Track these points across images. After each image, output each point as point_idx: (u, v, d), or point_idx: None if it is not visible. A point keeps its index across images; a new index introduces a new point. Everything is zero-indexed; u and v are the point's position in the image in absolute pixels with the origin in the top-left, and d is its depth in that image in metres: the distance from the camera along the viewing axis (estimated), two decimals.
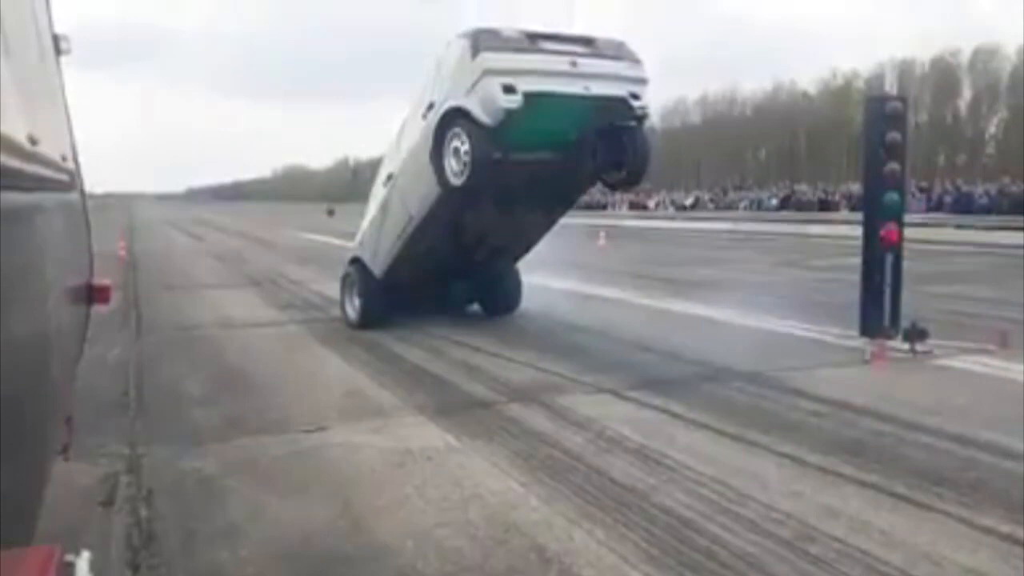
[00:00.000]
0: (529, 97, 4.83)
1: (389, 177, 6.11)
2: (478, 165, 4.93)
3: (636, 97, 5.28)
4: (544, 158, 5.40)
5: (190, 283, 10.24)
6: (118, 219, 28.03)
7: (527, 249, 6.67)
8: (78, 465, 2.76)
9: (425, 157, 5.34)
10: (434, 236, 5.80)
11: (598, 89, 5.11)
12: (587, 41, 5.32)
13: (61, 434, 1.95)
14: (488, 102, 4.87)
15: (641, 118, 5.43)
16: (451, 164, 5.16)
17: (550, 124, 5.11)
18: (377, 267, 6.30)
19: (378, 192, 6.37)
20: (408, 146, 5.78)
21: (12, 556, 0.97)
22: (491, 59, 4.90)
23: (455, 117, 5.07)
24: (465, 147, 4.99)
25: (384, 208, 6.16)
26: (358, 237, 6.75)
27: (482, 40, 4.98)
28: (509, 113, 4.82)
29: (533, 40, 5.09)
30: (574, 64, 5.05)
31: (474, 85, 4.92)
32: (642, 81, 5.41)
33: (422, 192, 5.57)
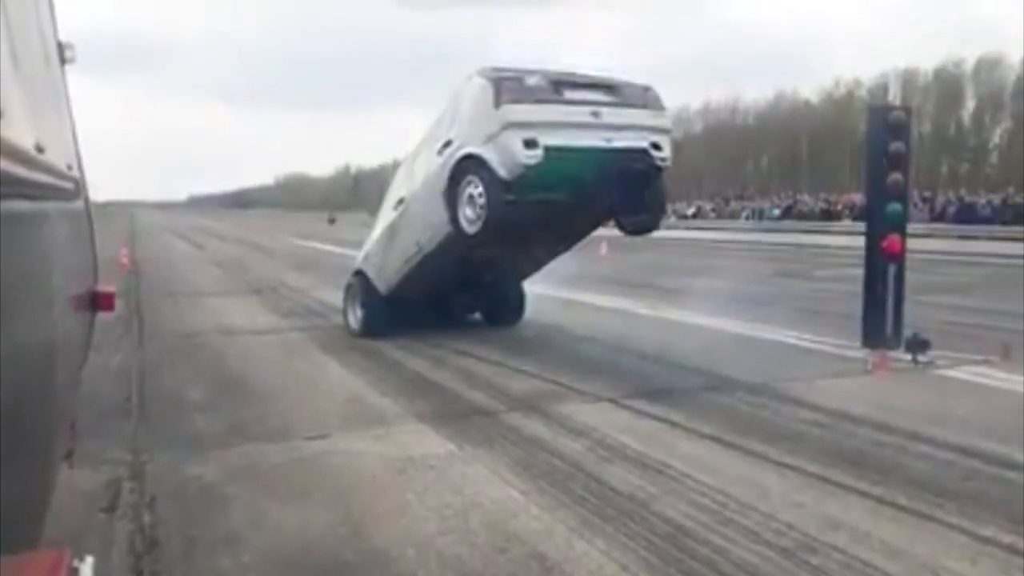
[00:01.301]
0: (549, 151, 4.73)
1: (400, 201, 6.01)
2: (493, 214, 4.84)
3: (657, 148, 5.15)
4: (559, 198, 5.28)
5: (192, 290, 10.27)
6: (120, 227, 28.12)
7: (536, 270, 6.65)
8: (81, 471, 2.77)
9: (439, 194, 5.26)
10: (443, 265, 5.77)
11: (620, 141, 5.00)
12: (611, 87, 5.21)
13: (66, 440, 1.96)
14: (508, 156, 4.74)
15: (661, 169, 5.32)
16: (465, 212, 5.05)
17: (568, 172, 4.99)
18: (382, 285, 6.29)
19: (387, 214, 6.27)
20: (422, 178, 5.68)
21: (21, 560, 0.98)
22: (514, 111, 4.78)
23: (472, 164, 4.95)
24: (480, 196, 4.89)
25: (392, 231, 6.09)
26: (363, 251, 6.71)
27: (505, 88, 4.84)
28: (528, 168, 4.74)
29: (556, 88, 4.97)
30: (597, 115, 4.94)
31: (494, 136, 4.80)
32: (664, 130, 5.31)
33: (433, 226, 5.49)
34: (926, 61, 47.87)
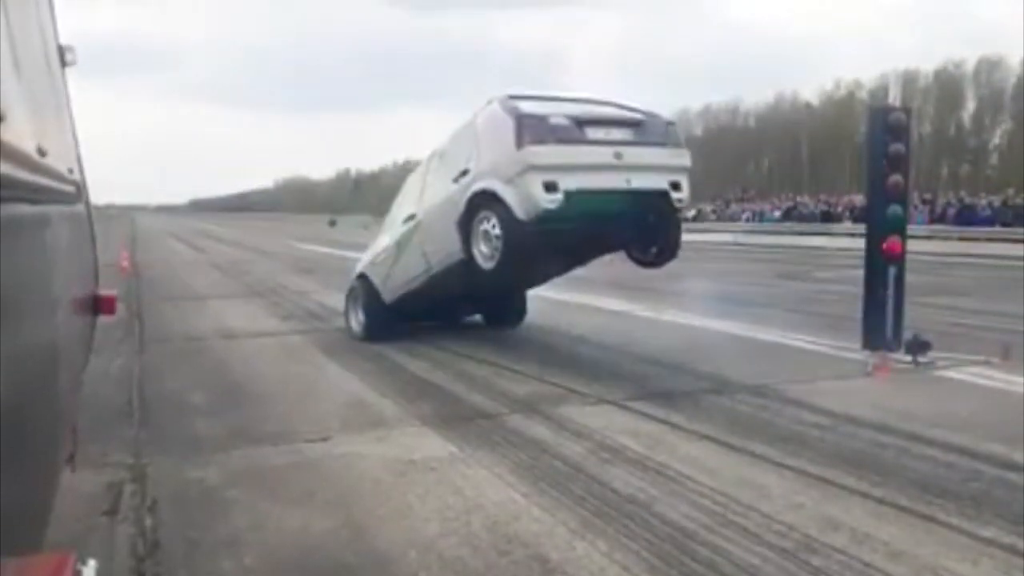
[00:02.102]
0: (569, 194, 4.65)
1: (411, 217, 5.93)
2: (509, 252, 4.80)
3: (676, 187, 5.08)
4: (575, 233, 5.20)
5: (192, 294, 10.28)
6: (121, 231, 28.15)
7: (544, 283, 6.65)
8: (82, 474, 2.77)
9: (453, 222, 5.21)
10: (451, 283, 5.76)
11: (639, 183, 4.92)
12: (636, 123, 5.14)
13: (67, 443, 1.96)
14: (527, 198, 4.67)
15: (678, 209, 5.27)
16: (480, 247, 5.00)
17: (586, 212, 4.91)
18: (387, 294, 6.28)
19: (395, 226, 6.20)
20: (435, 200, 5.59)
21: (26, 563, 0.98)
22: (536, 153, 4.68)
23: (489, 200, 4.88)
24: (496, 233, 4.84)
25: (401, 246, 6.03)
26: (367, 256, 6.67)
27: (528, 128, 4.73)
28: (547, 211, 4.69)
29: (579, 126, 4.88)
30: (619, 156, 4.86)
31: (514, 177, 4.71)
32: (684, 169, 5.22)
33: (445, 252, 5.45)
34: (926, 62, 47.91)
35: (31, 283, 1.21)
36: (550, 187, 4.63)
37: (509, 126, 4.78)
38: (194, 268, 15.17)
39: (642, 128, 5.11)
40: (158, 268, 14.58)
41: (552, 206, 4.64)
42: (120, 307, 3.13)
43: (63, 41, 2.14)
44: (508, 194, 4.74)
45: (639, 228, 5.33)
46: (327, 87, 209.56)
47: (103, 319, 2.53)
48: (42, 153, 1.34)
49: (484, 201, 4.92)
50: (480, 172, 5.01)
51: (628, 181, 4.89)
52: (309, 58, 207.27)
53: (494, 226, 4.85)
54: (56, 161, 1.58)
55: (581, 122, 4.89)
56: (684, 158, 5.26)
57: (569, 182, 4.67)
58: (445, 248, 5.42)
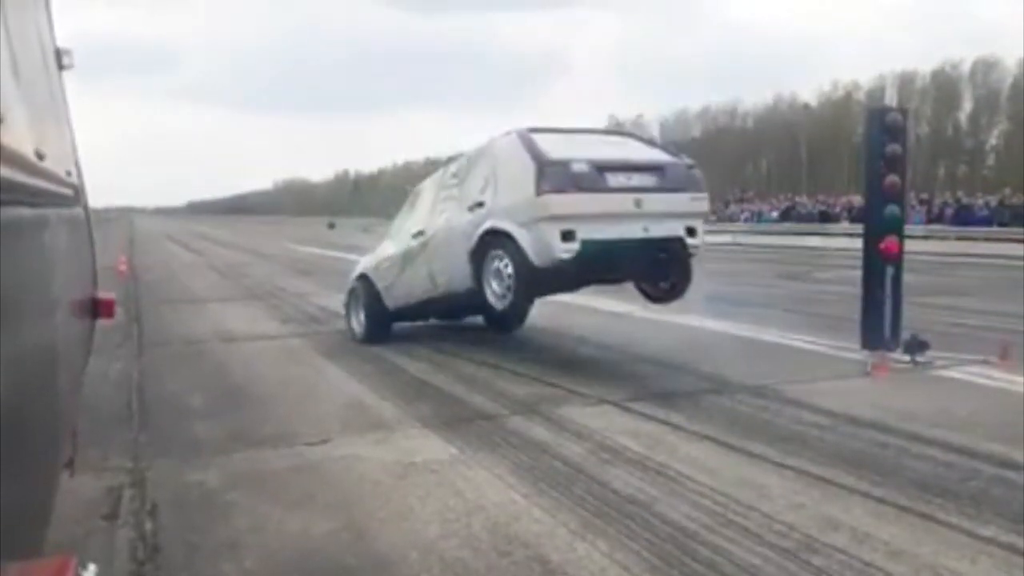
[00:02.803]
0: (586, 243, 4.61)
1: (420, 233, 5.84)
2: (521, 292, 4.77)
3: (692, 233, 5.01)
4: (586, 268, 5.07)
5: (191, 297, 10.27)
6: (118, 233, 28.12)
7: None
8: (81, 478, 2.76)
9: (464, 252, 5.14)
10: (456, 303, 5.76)
11: (656, 230, 4.86)
12: (658, 167, 5.02)
13: (67, 446, 1.96)
14: (543, 246, 4.60)
15: (691, 254, 5.19)
16: (492, 285, 4.94)
17: (600, 257, 4.85)
18: (390, 301, 6.25)
19: (402, 235, 6.12)
20: (446, 224, 5.51)
21: (27, 567, 0.98)
22: (555, 203, 4.58)
23: (504, 240, 4.81)
24: (509, 274, 4.79)
25: (407, 260, 5.96)
26: (371, 260, 6.62)
27: (549, 176, 4.61)
28: (562, 260, 4.65)
29: (601, 173, 4.74)
30: (638, 204, 4.76)
31: (531, 223, 4.64)
32: (701, 214, 5.15)
33: (454, 278, 5.41)
34: (924, 63, 48.07)
35: (30, 286, 1.21)
36: (567, 236, 4.56)
37: (530, 170, 4.65)
38: (192, 271, 15.15)
39: (663, 173, 5.00)
40: (156, 271, 14.57)
41: (568, 256, 4.59)
42: (119, 310, 3.12)
43: (60, 44, 2.14)
44: (523, 239, 4.66)
45: (650, 265, 5.28)
46: (326, 88, 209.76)
47: (102, 322, 2.52)
48: (40, 156, 1.34)
49: (498, 240, 4.85)
50: (496, 209, 4.92)
51: (646, 229, 4.82)
52: (308, 59, 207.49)
53: (507, 266, 4.79)
54: (54, 164, 1.58)
55: (602, 167, 4.76)
56: (703, 203, 5.17)
57: (587, 231, 4.60)
58: (454, 276, 5.38)
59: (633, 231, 4.79)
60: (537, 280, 4.78)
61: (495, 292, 4.92)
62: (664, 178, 4.95)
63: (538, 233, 4.61)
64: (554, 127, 5.56)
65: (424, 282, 5.76)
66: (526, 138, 4.93)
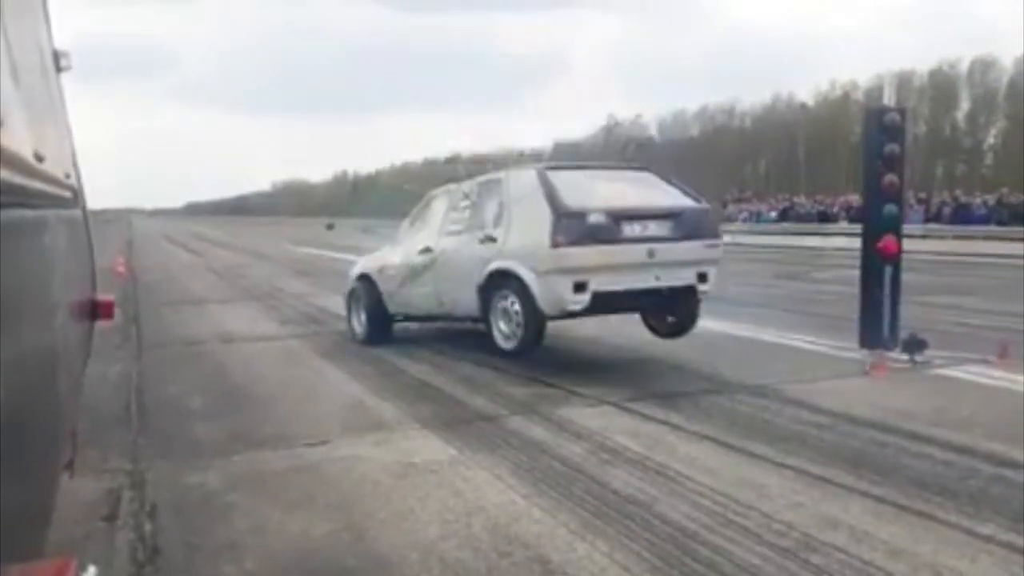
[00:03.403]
0: (597, 295, 4.60)
1: (427, 250, 5.77)
2: (529, 335, 4.75)
3: (703, 279, 4.96)
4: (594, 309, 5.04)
5: (190, 298, 10.26)
6: (117, 234, 28.10)
7: None
8: (80, 480, 2.76)
9: (473, 284, 5.10)
10: (461, 320, 5.74)
11: (668, 280, 4.82)
12: (674, 214, 4.93)
13: (66, 448, 1.96)
14: (554, 297, 4.59)
15: (700, 300, 5.15)
16: (500, 324, 4.91)
17: (609, 305, 4.88)
18: (392, 306, 6.24)
19: (409, 247, 6.04)
20: (455, 248, 5.45)
21: (28, 568, 0.98)
22: (570, 256, 4.54)
23: (514, 282, 4.77)
24: (517, 316, 4.76)
25: (414, 274, 5.90)
26: (374, 262, 6.57)
27: (565, 230, 4.54)
28: (572, 311, 4.62)
29: (617, 223, 4.68)
30: (651, 254, 4.71)
31: (543, 272, 4.61)
32: (714, 260, 5.07)
33: (460, 305, 5.39)
34: (921, 63, 48.09)
35: (29, 288, 1.21)
36: (579, 288, 4.54)
37: (546, 219, 4.58)
38: (191, 272, 15.14)
39: (679, 219, 4.91)
40: (155, 272, 14.55)
41: (578, 307, 4.57)
42: (117, 312, 3.12)
43: (58, 46, 2.14)
44: (535, 285, 4.63)
45: (657, 305, 5.28)
46: (325, 89, 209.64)
47: (101, 324, 2.52)
48: (39, 158, 1.34)
49: (508, 282, 4.82)
50: (508, 250, 4.87)
51: (657, 278, 4.78)
52: (306, 60, 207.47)
53: (516, 310, 4.77)
54: (53, 166, 1.58)
55: (618, 217, 4.70)
56: (716, 249, 5.10)
57: (599, 282, 4.58)
58: (460, 302, 5.36)
59: (645, 280, 4.75)
60: (545, 325, 4.76)
61: (502, 332, 4.89)
62: (679, 225, 4.87)
63: (550, 283, 4.58)
64: (571, 164, 5.52)
65: (429, 299, 5.74)
66: (544, 179, 4.83)
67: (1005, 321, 7.01)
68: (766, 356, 5.75)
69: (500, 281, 4.89)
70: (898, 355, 5.34)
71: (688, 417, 4.07)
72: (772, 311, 7.84)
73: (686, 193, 5.35)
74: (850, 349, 5.60)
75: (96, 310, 2.38)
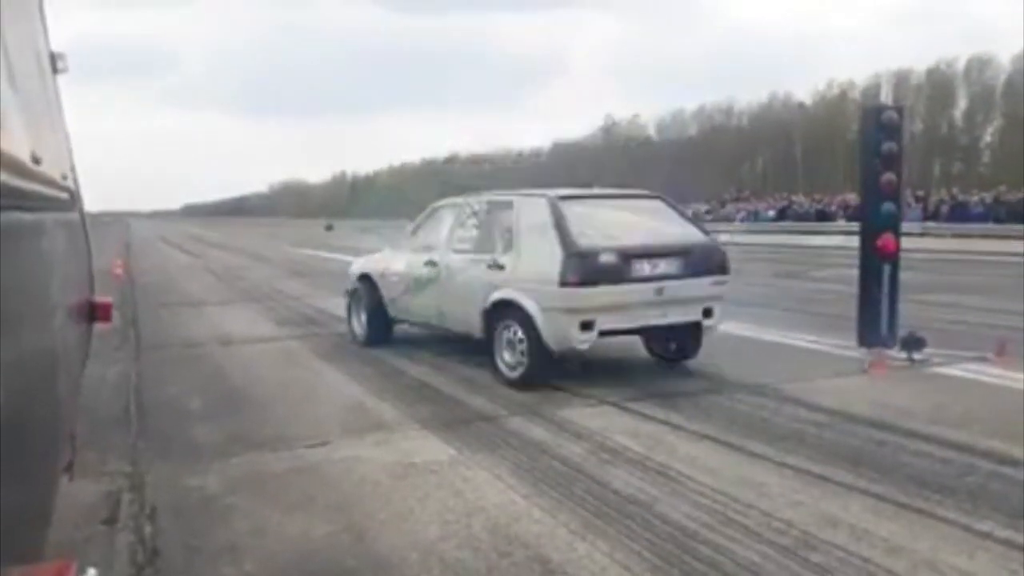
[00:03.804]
0: (603, 333, 4.57)
1: (431, 263, 5.68)
2: (535, 368, 4.70)
3: (709, 314, 4.94)
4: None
5: (188, 300, 10.25)
6: (115, 237, 28.06)
7: None
8: (80, 483, 2.76)
9: (478, 307, 5.05)
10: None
11: (674, 316, 4.80)
12: (684, 251, 4.85)
13: (66, 451, 1.96)
14: (560, 334, 4.56)
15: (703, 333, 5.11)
16: (504, 354, 4.84)
17: (612, 334, 4.85)
18: (393, 311, 6.21)
19: (413, 258, 5.95)
20: (460, 268, 5.37)
21: (28, 571, 0.98)
22: (578, 296, 4.48)
23: (520, 314, 4.71)
24: (522, 346, 4.72)
25: (418, 285, 5.82)
26: (375, 264, 6.52)
27: (575, 267, 4.48)
28: (577, 350, 4.59)
29: (627, 262, 4.60)
30: (659, 292, 4.66)
31: (551, 309, 4.56)
32: (719, 297, 5.01)
33: (463, 322, 5.33)
34: (919, 61, 48.21)
35: (27, 290, 1.21)
36: (586, 326, 4.52)
37: (557, 256, 4.52)
38: (189, 273, 15.12)
39: (688, 256, 4.84)
40: (153, 274, 14.53)
41: (584, 346, 4.56)
42: (115, 314, 3.12)
43: (54, 48, 2.14)
44: (541, 321, 4.59)
45: (661, 334, 5.25)
46: (322, 90, 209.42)
47: (99, 326, 2.52)
48: (37, 161, 1.34)
49: (514, 312, 4.78)
50: (515, 280, 4.81)
51: (664, 315, 4.76)
52: (304, 61, 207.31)
53: (519, 337, 4.74)
54: (50, 168, 1.57)
55: (629, 256, 4.63)
56: (723, 286, 5.04)
57: (606, 321, 4.57)
58: (463, 322, 5.32)
59: (651, 318, 4.74)
60: (550, 361, 4.73)
61: (507, 363, 4.85)
62: (688, 263, 4.81)
63: (557, 321, 4.55)
64: (583, 192, 5.38)
65: (432, 312, 5.72)
66: (555, 211, 4.76)
67: (1003, 319, 7.03)
68: (765, 355, 5.76)
69: (506, 311, 4.85)
70: (897, 353, 5.35)
71: (688, 416, 4.07)
72: (771, 310, 7.85)
73: (696, 226, 5.26)
74: (849, 347, 5.61)
75: (94, 312, 2.37)
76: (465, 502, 2.93)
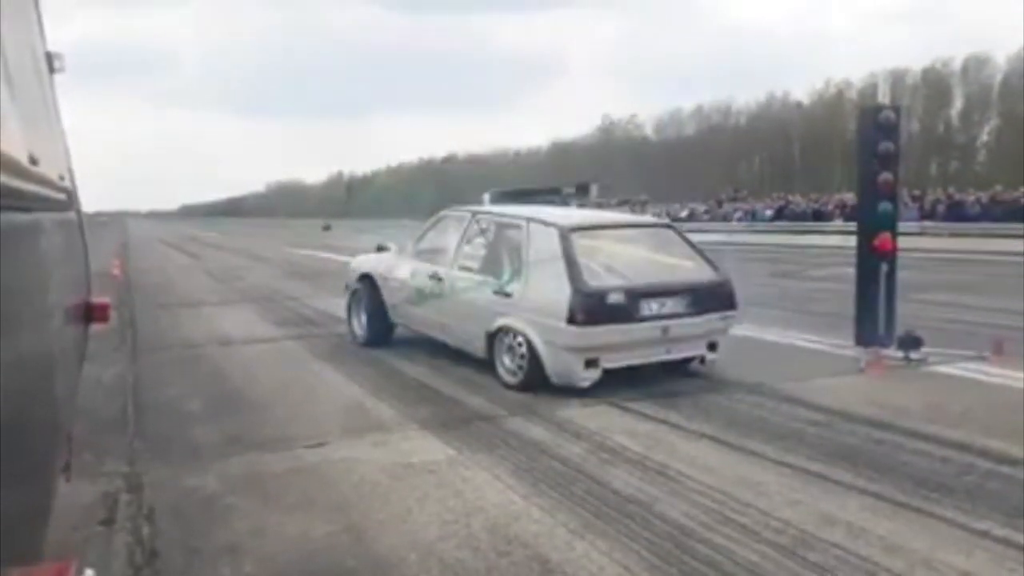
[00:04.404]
0: (607, 371, 4.56)
1: (435, 276, 5.61)
2: (536, 371, 4.65)
3: (713, 348, 4.93)
4: None
5: (186, 301, 10.24)
6: (112, 237, 28.01)
7: None
8: (77, 483, 2.75)
9: (481, 327, 5.02)
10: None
11: (678, 352, 4.79)
12: (692, 289, 4.78)
13: (63, 452, 1.95)
14: (564, 370, 4.55)
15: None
16: (504, 360, 4.83)
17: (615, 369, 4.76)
18: (394, 316, 6.19)
19: (418, 267, 5.90)
20: (468, 290, 5.29)
21: (28, 572, 0.98)
22: (585, 336, 4.43)
23: (524, 339, 4.66)
24: (522, 351, 4.69)
25: (420, 297, 5.77)
26: (376, 265, 6.47)
27: (584, 307, 4.42)
28: (580, 386, 4.56)
29: (635, 301, 4.53)
30: (665, 331, 4.62)
31: (556, 345, 4.53)
32: (724, 330, 4.98)
33: (465, 340, 5.33)
34: (915, 61, 48.34)
35: (24, 291, 1.20)
36: (590, 364, 4.51)
37: (565, 293, 4.46)
38: (187, 274, 15.10)
39: (696, 294, 4.77)
40: (151, 275, 14.50)
41: (586, 384, 4.53)
42: (113, 315, 3.11)
43: (51, 48, 2.14)
44: (545, 356, 4.56)
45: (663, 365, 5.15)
46: (320, 90, 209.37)
47: (96, 327, 2.51)
48: (34, 161, 1.34)
49: (518, 335, 4.73)
50: (521, 310, 4.77)
51: (668, 351, 4.74)
52: (301, 61, 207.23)
53: (520, 344, 4.71)
54: (47, 169, 1.57)
55: (638, 295, 4.57)
56: (729, 320, 4.98)
57: (610, 360, 4.55)
58: (465, 340, 5.31)
59: (655, 354, 4.72)
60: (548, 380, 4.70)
61: (507, 368, 4.83)
62: (696, 300, 4.74)
63: (562, 358, 4.53)
64: (594, 222, 5.31)
65: (434, 325, 5.70)
66: (566, 244, 4.66)
67: (1000, 318, 7.04)
68: (763, 354, 5.76)
69: (511, 333, 4.82)
70: (894, 352, 5.36)
71: (687, 416, 4.08)
72: (769, 310, 7.85)
73: (705, 259, 5.20)
74: (846, 347, 5.62)
75: (92, 313, 2.37)
76: (464, 502, 2.93)
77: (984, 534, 2.57)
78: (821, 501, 2.88)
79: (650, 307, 4.63)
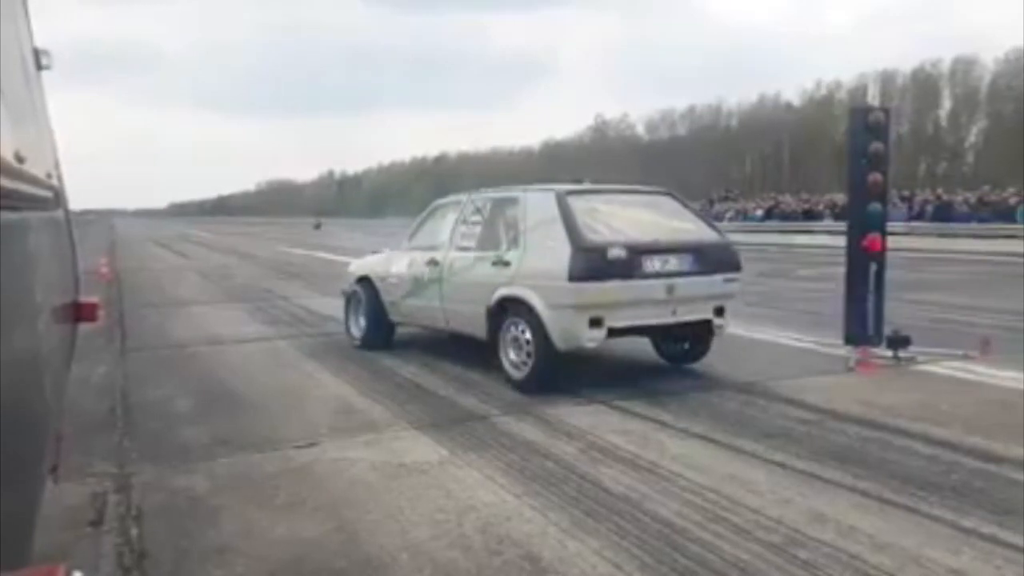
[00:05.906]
0: (612, 331, 4.50)
1: (433, 262, 5.53)
2: (540, 367, 4.62)
3: (720, 313, 4.85)
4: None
5: (175, 300, 10.17)
6: (99, 236, 27.78)
7: None
8: (65, 485, 2.73)
9: (483, 305, 4.96)
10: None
11: (684, 314, 4.69)
12: (695, 248, 4.78)
13: (51, 453, 1.93)
14: (569, 333, 4.47)
15: (715, 333, 5.01)
16: (509, 353, 4.77)
17: (621, 332, 4.73)
18: (394, 314, 6.14)
19: (415, 258, 5.85)
20: (464, 267, 5.27)
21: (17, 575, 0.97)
22: (588, 292, 4.40)
23: (527, 312, 4.62)
24: (527, 339, 4.62)
25: (419, 287, 5.73)
26: (374, 266, 6.44)
27: (584, 262, 4.39)
28: (586, 347, 4.52)
29: (638, 257, 4.50)
30: (670, 290, 4.57)
31: (559, 306, 4.47)
32: (731, 295, 4.93)
33: (467, 323, 5.26)
34: (904, 62, 48.73)
35: (11, 290, 1.19)
36: (595, 323, 4.43)
37: (564, 252, 4.43)
38: (176, 273, 15.00)
39: (699, 253, 4.77)
40: (139, 274, 14.40)
41: (592, 344, 4.49)
42: (101, 314, 3.09)
43: (38, 44, 2.11)
44: (549, 320, 4.51)
45: (671, 332, 5.14)
46: (310, 88, 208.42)
47: (85, 326, 2.49)
48: (20, 159, 1.33)
49: (519, 309, 4.70)
50: (521, 276, 4.72)
51: (674, 312, 4.67)
52: (291, 59, 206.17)
53: (525, 335, 4.66)
54: (34, 167, 1.56)
55: (640, 251, 4.54)
56: (734, 283, 4.96)
57: (615, 318, 4.50)
58: (467, 322, 5.26)
59: (661, 315, 4.66)
60: (558, 359, 4.65)
61: (512, 361, 4.79)
62: (699, 259, 4.74)
63: (565, 318, 4.47)
64: (590, 188, 5.30)
65: (435, 314, 5.64)
66: (563, 206, 4.64)
67: (987, 317, 7.12)
68: (753, 353, 5.79)
69: (512, 308, 4.78)
70: (883, 351, 5.41)
71: (677, 415, 4.09)
72: (758, 308, 7.89)
73: (707, 222, 5.17)
74: (835, 346, 5.66)
75: (80, 312, 2.35)
76: (456, 502, 2.93)
77: (971, 531, 2.59)
78: (811, 499, 2.89)
79: (653, 264, 4.59)
